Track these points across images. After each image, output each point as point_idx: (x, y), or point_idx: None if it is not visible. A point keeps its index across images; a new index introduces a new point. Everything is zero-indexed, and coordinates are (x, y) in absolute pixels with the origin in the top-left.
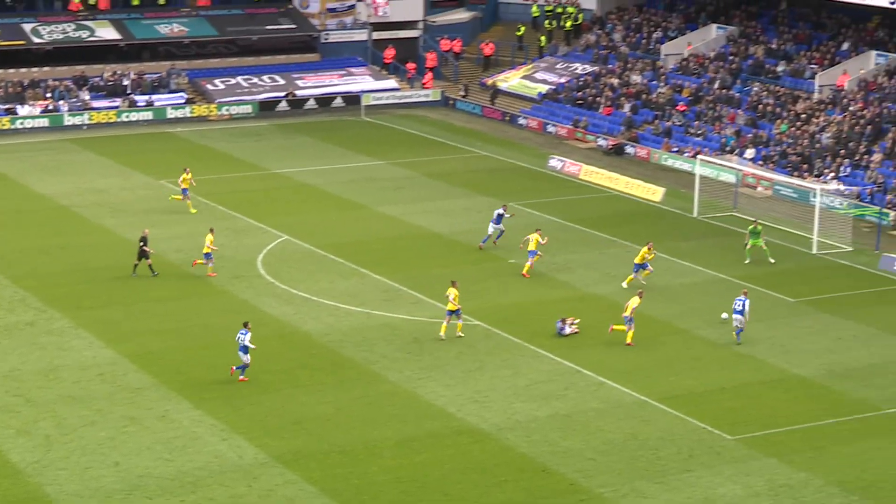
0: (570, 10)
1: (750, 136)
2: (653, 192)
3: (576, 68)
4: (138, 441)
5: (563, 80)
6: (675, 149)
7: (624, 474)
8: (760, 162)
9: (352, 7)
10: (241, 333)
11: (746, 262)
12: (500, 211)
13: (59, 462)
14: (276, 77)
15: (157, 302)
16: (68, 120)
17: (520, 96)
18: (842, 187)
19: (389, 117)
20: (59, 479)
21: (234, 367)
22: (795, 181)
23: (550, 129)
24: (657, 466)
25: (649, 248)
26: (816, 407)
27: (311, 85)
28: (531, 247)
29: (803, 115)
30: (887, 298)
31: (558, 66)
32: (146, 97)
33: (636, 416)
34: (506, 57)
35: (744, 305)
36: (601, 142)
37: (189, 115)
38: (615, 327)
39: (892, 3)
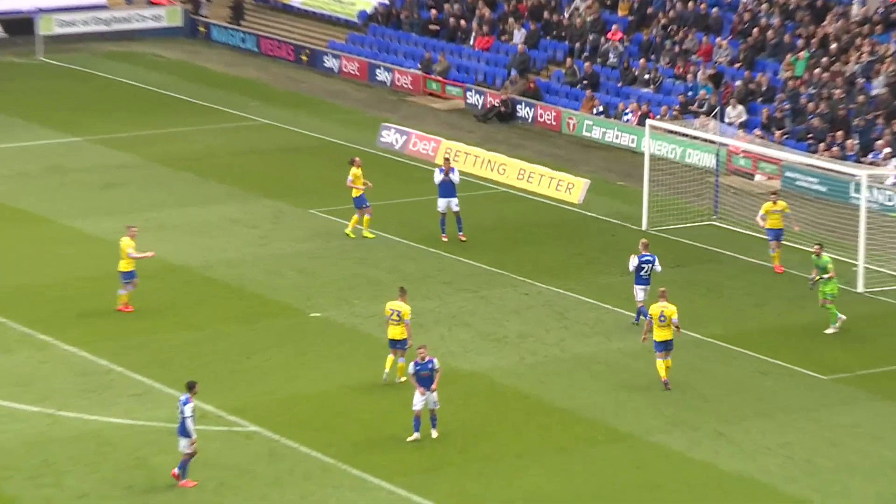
0: None
1: (739, 82)
2: (567, 188)
3: None
4: None
5: None
6: (601, 109)
7: None
8: (759, 131)
9: None
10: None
11: (829, 330)
12: (443, 175)
13: None
14: None
15: None
16: None
17: (325, 17)
18: None
19: (90, 58)
20: None
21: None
22: (823, 163)
23: (382, 75)
24: None
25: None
26: None
27: None
28: None
29: (834, 44)
30: None
31: None
32: None
33: None
34: None
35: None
36: (473, 97)
37: None
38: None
39: None
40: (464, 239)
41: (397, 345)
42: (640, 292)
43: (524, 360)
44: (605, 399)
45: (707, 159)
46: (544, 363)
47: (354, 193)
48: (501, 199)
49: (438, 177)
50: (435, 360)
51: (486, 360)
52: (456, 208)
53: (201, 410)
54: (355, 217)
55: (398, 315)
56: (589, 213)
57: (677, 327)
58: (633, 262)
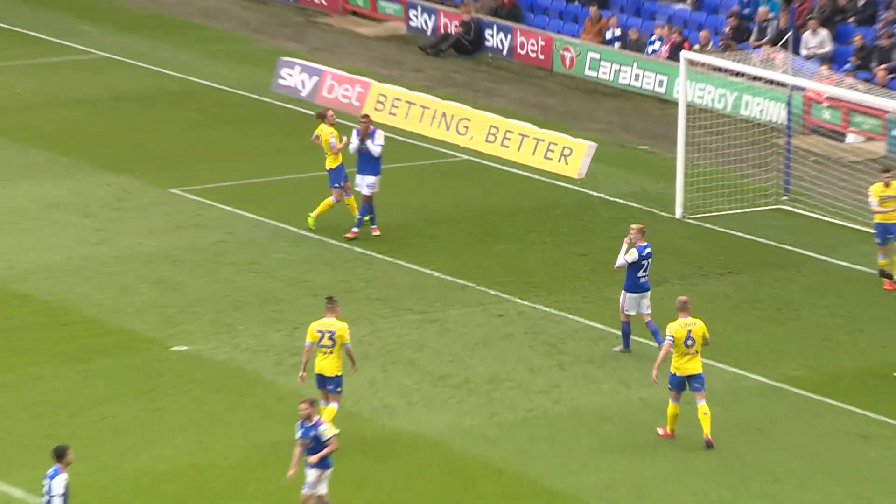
0: None
1: None
2: (563, 155)
3: None
4: None
5: None
6: (616, 34)
7: None
8: (851, 68)
9: None
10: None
11: None
12: (359, 141)
13: None
14: None
15: None
16: None
17: None
18: None
19: None
20: None
21: None
22: None
23: None
24: None
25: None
26: None
27: None
28: None
29: None
30: None
31: None
32: None
33: None
34: None
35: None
36: (419, 18)
37: None
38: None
39: None
40: (352, 237)
41: (329, 383)
42: (635, 303)
43: (497, 416)
44: (620, 476)
45: (773, 111)
46: (528, 421)
47: (330, 163)
48: (463, 173)
49: (354, 143)
50: (323, 427)
51: (439, 418)
52: (369, 191)
53: (2, 495)
54: (328, 200)
55: (331, 338)
56: (595, 193)
57: (706, 344)
58: (630, 255)
